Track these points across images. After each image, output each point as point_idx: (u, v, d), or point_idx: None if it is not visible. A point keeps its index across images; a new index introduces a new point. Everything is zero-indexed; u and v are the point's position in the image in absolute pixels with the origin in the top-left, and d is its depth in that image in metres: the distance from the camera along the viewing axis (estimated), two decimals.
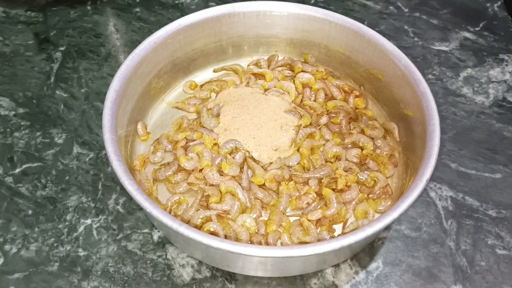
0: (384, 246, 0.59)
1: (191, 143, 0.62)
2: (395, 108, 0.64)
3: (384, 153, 0.62)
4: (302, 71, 0.71)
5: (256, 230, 0.56)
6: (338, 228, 0.57)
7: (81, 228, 0.59)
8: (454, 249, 0.59)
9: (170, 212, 0.57)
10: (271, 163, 0.60)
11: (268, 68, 0.72)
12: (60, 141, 0.68)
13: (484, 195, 0.64)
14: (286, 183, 0.59)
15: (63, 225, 0.60)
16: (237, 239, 0.54)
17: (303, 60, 0.73)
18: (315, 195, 0.58)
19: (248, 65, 0.73)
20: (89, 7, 0.86)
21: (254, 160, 0.61)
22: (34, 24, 0.83)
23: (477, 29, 0.85)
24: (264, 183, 0.59)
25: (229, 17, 0.67)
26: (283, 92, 0.68)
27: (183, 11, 0.86)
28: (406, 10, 0.88)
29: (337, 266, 0.57)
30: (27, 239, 0.58)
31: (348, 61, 0.69)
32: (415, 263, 0.58)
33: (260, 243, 0.55)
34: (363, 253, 0.58)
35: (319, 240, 0.55)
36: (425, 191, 0.64)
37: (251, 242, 0.55)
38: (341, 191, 0.59)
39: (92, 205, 0.61)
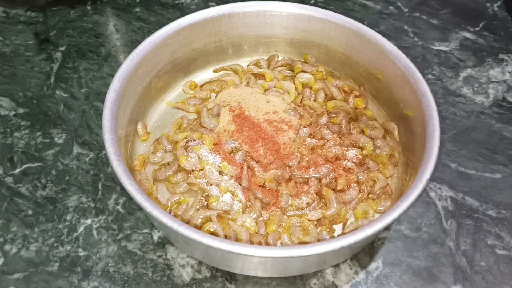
0: (384, 246, 0.59)
1: (191, 143, 0.62)
2: (395, 108, 0.64)
3: (384, 153, 0.62)
4: (302, 71, 0.71)
5: (256, 230, 0.56)
6: (338, 228, 0.57)
7: (81, 228, 0.59)
8: (454, 249, 0.59)
9: (170, 212, 0.57)
10: (271, 163, 0.60)
11: (268, 68, 0.72)
12: (60, 141, 0.68)
13: (484, 195, 0.64)
14: (286, 183, 0.59)
15: (63, 225, 0.60)
16: (237, 239, 0.54)
17: (303, 60, 0.73)
18: (315, 195, 0.58)
19: (248, 65, 0.73)
20: (89, 7, 0.86)
21: (254, 160, 0.61)
22: (34, 24, 0.83)
23: (477, 29, 0.85)
24: (264, 183, 0.59)
25: (229, 17, 0.67)
26: (283, 92, 0.68)
27: (183, 11, 0.86)
28: (406, 10, 0.88)
29: (337, 266, 0.57)
30: (27, 239, 0.58)
31: (348, 61, 0.69)
32: (415, 263, 0.58)
33: (260, 243, 0.55)
34: (363, 253, 0.58)
35: (319, 240, 0.55)
36: (425, 191, 0.64)
37: (251, 242, 0.55)
38: (341, 191, 0.59)
39: (92, 205, 0.61)
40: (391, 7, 0.89)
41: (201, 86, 0.71)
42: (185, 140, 0.63)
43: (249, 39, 0.72)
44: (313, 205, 0.58)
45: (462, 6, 0.89)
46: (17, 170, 0.65)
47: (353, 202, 0.58)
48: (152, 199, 0.51)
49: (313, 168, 0.60)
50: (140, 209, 0.61)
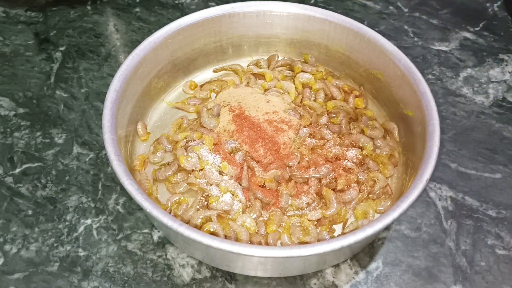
0: (384, 246, 0.59)
1: (191, 143, 0.62)
2: (395, 108, 0.64)
3: (384, 153, 0.62)
4: (302, 71, 0.71)
5: (256, 230, 0.56)
6: (338, 228, 0.57)
7: (81, 228, 0.59)
8: (454, 249, 0.59)
9: (170, 212, 0.57)
10: (271, 163, 0.60)
11: (268, 68, 0.72)
12: (60, 141, 0.68)
13: (484, 195, 0.64)
14: (286, 183, 0.59)
15: (63, 225, 0.60)
16: (237, 239, 0.54)
17: (303, 60, 0.73)
18: (315, 195, 0.58)
19: (248, 65, 0.73)
20: (89, 7, 0.86)
21: (254, 160, 0.61)
22: (34, 24, 0.83)
23: (477, 29, 0.85)
24: (264, 183, 0.59)
25: (229, 17, 0.67)
26: (283, 92, 0.68)
27: (183, 11, 0.86)
28: (406, 10, 0.88)
29: (337, 266, 0.57)
30: (27, 239, 0.58)
31: (348, 61, 0.69)
32: (415, 263, 0.58)
33: (260, 243, 0.55)
34: (363, 253, 0.58)
35: (319, 240, 0.55)
36: (425, 191, 0.64)
37: (251, 242, 0.55)
38: (341, 191, 0.59)
39: (92, 205, 0.61)
40: (391, 7, 0.89)
41: (201, 86, 0.71)
42: (185, 140, 0.63)
43: (249, 39, 0.72)
44: (313, 205, 0.58)
45: (462, 6, 0.89)
46: (17, 170, 0.65)
47: (353, 202, 0.58)
48: (152, 199, 0.51)
49: (313, 168, 0.60)
50: (140, 209, 0.61)
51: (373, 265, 0.57)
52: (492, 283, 0.56)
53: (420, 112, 0.57)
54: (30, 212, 0.61)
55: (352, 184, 0.59)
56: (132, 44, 0.81)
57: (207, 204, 0.57)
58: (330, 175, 0.59)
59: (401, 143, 0.64)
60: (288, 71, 0.72)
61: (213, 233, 0.54)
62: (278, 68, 0.73)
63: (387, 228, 0.60)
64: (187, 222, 0.55)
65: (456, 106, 0.74)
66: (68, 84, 0.75)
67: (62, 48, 0.80)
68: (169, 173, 0.60)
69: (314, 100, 0.68)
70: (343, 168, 0.60)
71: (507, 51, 0.82)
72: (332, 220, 0.57)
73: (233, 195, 0.57)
